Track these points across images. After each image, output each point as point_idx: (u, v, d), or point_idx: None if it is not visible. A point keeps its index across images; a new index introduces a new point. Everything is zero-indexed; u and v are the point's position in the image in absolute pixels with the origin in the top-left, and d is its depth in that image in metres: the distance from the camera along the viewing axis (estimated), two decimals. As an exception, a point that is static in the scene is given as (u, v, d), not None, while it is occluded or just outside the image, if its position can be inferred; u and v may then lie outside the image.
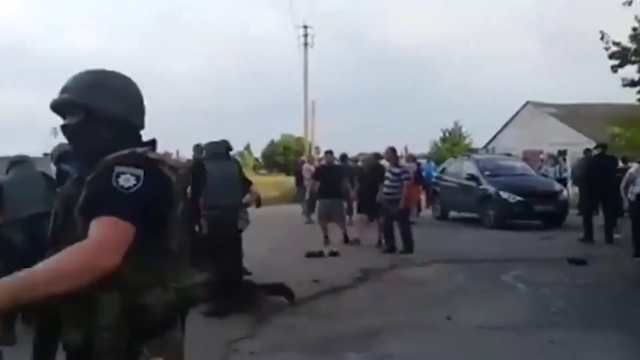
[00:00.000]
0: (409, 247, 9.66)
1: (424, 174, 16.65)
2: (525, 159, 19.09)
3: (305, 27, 32.13)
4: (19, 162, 5.61)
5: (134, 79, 1.78)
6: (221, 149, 6.47)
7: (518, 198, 12.50)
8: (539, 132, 34.32)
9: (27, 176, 5.48)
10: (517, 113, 36.92)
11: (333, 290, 7.15)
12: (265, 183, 31.16)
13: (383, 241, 10.20)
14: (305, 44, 31.90)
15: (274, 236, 11.27)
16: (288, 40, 31.55)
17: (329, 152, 12.11)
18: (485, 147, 37.46)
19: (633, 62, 15.30)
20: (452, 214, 15.15)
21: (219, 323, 5.62)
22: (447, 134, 41.42)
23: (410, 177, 10.14)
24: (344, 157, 15.05)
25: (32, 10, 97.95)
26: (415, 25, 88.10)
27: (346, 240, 10.67)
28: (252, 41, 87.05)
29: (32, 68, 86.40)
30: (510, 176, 13.59)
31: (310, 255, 9.37)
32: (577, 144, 22.72)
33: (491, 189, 13.11)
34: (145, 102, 1.81)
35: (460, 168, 14.80)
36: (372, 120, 71.99)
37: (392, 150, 10.35)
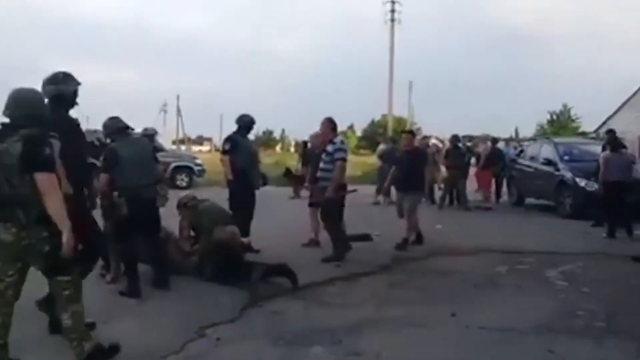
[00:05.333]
0: (337, 251, 7.46)
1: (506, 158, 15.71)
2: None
3: (393, 2, 31.29)
4: None
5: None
6: (121, 123, 5.81)
7: (597, 186, 11.27)
8: (657, 115, 31.21)
9: None
10: (632, 95, 33.81)
11: (349, 277, 6.76)
12: (352, 163, 30.82)
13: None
14: (392, 20, 31.05)
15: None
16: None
17: (409, 132, 9.96)
18: (596, 130, 34.81)
19: None
20: (530, 200, 14.07)
21: (202, 304, 5.44)
22: (554, 117, 38.90)
23: (344, 157, 7.55)
24: (455, 138, 14.34)
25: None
26: (527, 1, 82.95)
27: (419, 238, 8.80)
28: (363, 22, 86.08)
29: (144, 46, 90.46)
30: (593, 162, 12.30)
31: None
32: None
33: (568, 175, 11.98)
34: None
35: (538, 152, 13.66)
36: (477, 102, 69.22)
37: (329, 121, 7.80)
